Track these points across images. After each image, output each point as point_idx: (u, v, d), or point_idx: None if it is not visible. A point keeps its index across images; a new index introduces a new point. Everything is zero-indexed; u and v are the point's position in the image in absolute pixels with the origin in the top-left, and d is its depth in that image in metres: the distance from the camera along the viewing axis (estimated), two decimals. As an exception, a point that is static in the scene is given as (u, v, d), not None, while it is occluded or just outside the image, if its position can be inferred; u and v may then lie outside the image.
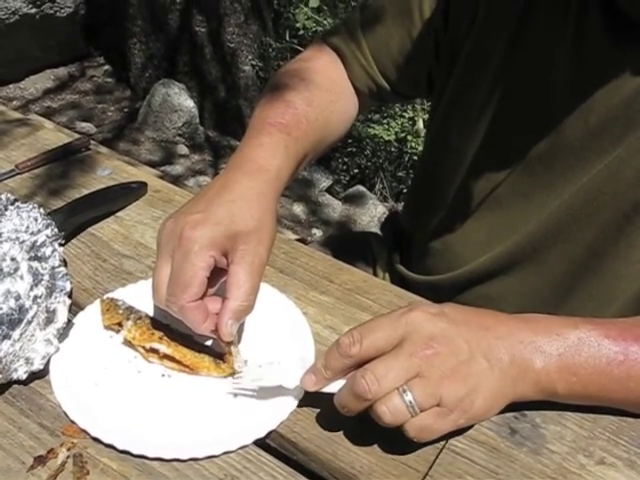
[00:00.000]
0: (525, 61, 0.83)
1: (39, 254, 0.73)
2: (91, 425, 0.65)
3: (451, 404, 0.60)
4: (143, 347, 0.72)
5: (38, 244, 0.74)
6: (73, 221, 0.88)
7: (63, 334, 0.72)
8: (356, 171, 3.40)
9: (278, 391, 0.68)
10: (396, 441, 0.64)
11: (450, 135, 0.94)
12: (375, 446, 0.64)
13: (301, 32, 3.65)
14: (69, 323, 0.74)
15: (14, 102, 3.61)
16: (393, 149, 3.33)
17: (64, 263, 0.76)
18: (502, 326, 0.65)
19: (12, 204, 0.78)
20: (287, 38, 3.74)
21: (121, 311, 0.74)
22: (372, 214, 3.01)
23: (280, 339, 0.75)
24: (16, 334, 0.67)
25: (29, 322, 0.68)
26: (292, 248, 0.89)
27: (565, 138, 0.80)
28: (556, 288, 0.86)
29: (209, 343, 0.74)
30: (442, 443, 0.64)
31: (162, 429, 0.65)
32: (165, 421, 0.66)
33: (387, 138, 3.28)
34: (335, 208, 3.08)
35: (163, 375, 0.71)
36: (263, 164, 0.76)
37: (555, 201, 0.82)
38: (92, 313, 0.77)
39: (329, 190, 3.23)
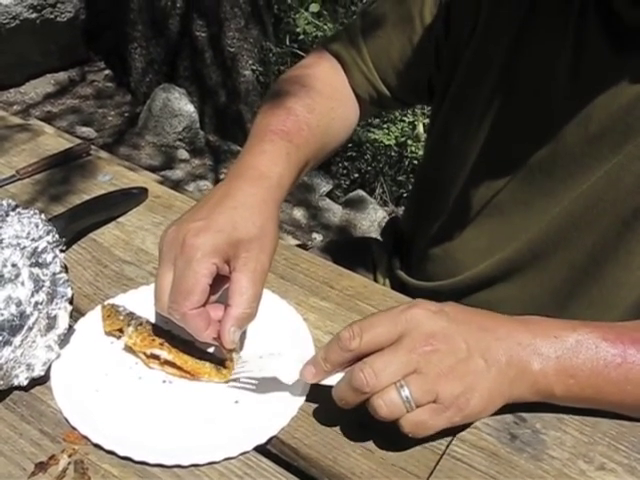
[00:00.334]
0: (525, 69, 0.84)
1: (40, 260, 0.73)
2: (92, 431, 0.65)
3: (447, 401, 0.60)
4: (144, 353, 0.72)
5: (39, 250, 0.74)
6: (74, 227, 0.88)
7: (64, 340, 0.73)
8: (356, 175, 3.40)
9: (278, 385, 0.68)
10: (396, 447, 0.64)
11: (451, 141, 0.94)
12: (376, 452, 0.64)
13: (301, 37, 3.65)
14: (70, 329, 0.74)
15: (14, 107, 3.61)
16: (393, 153, 3.33)
17: (65, 269, 0.76)
18: (501, 328, 0.65)
19: (13, 210, 0.78)
20: (287, 43, 3.74)
21: (122, 317, 0.75)
22: (372, 219, 3.00)
23: (281, 345, 0.75)
24: (17, 340, 0.67)
25: (30, 328, 0.68)
26: (293, 254, 0.89)
27: (565, 145, 0.81)
28: (556, 295, 0.86)
29: (210, 349, 0.74)
30: (442, 449, 0.65)
31: (163, 435, 0.65)
32: (166, 427, 0.66)
33: (387, 142, 3.28)
34: (335, 213, 3.08)
35: (164, 381, 0.71)
36: (265, 171, 0.76)
37: (555, 208, 0.83)
38: (93, 319, 0.77)
39: (329, 195, 3.23)
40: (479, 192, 0.90)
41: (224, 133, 3.63)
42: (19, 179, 1.01)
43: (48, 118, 3.49)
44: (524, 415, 0.68)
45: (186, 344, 0.73)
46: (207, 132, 3.63)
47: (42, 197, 0.98)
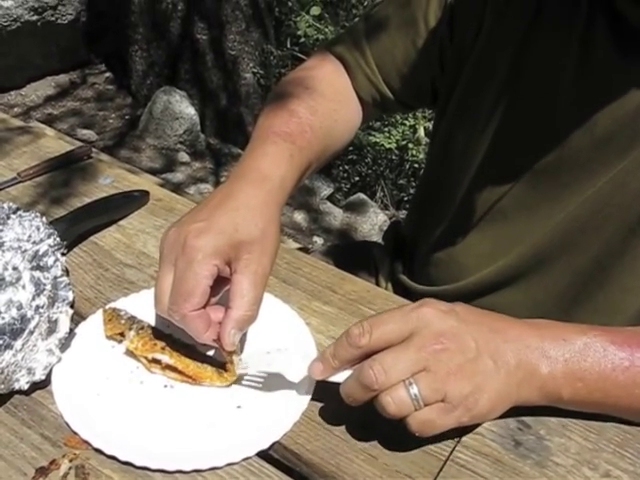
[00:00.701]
0: (531, 73, 0.83)
1: (41, 263, 0.73)
2: (93, 436, 0.64)
3: (455, 400, 0.60)
4: (145, 357, 0.71)
5: (40, 253, 0.73)
6: (75, 230, 0.88)
7: (65, 344, 0.72)
8: (357, 179, 3.40)
9: (283, 383, 0.68)
10: (400, 453, 0.64)
11: (454, 145, 0.94)
12: (379, 458, 0.64)
13: (302, 40, 3.66)
14: (71, 333, 0.74)
15: (15, 109, 3.61)
16: (394, 157, 3.33)
17: (66, 272, 0.76)
18: (511, 330, 0.65)
19: (14, 213, 0.78)
20: (288, 46, 3.74)
21: (123, 321, 0.74)
22: (373, 222, 3.00)
23: (283, 350, 0.74)
24: (18, 344, 0.67)
25: (31, 332, 0.68)
26: (295, 258, 0.89)
27: (570, 150, 0.80)
28: (560, 300, 0.86)
29: (211, 353, 0.73)
30: (446, 455, 0.64)
31: (165, 440, 0.65)
32: (168, 432, 0.66)
33: (388, 146, 3.28)
34: (336, 216, 3.08)
35: (165, 386, 0.71)
36: (267, 173, 0.76)
37: (560, 213, 0.82)
38: (94, 323, 0.76)
39: (330, 198, 3.23)
40: (483, 196, 0.90)
41: (225, 136, 3.63)
42: (20, 182, 1.01)
43: (49, 120, 3.49)
44: (528, 421, 0.67)
45: (188, 348, 0.73)
46: (208, 135, 3.63)
47: (43, 200, 0.98)
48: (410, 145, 3.29)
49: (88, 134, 3.45)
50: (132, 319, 0.74)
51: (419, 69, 0.96)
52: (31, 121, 3.32)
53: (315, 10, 3.61)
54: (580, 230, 0.82)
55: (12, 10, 3.50)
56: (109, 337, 0.75)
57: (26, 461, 0.63)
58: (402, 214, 3.16)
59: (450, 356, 0.60)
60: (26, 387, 0.68)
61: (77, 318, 0.77)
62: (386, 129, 3.37)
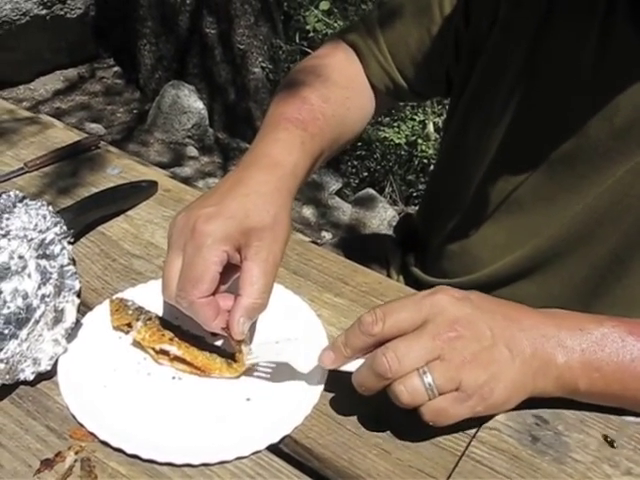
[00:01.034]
0: (548, 61, 0.81)
1: (47, 252, 0.71)
2: (99, 428, 0.63)
3: (470, 389, 0.58)
4: (153, 348, 0.70)
5: (47, 242, 0.72)
6: (82, 219, 0.86)
7: (71, 334, 0.71)
8: (366, 174, 3.39)
9: (294, 374, 0.67)
10: (414, 448, 0.62)
11: (469, 135, 0.92)
12: (392, 453, 0.62)
13: (311, 34, 3.64)
14: (77, 323, 0.72)
15: (24, 103, 3.61)
16: (403, 152, 3.32)
17: (73, 262, 0.74)
18: (527, 319, 0.63)
19: (20, 201, 0.77)
20: (297, 40, 3.73)
21: (131, 312, 0.73)
22: (382, 217, 2.99)
23: (293, 340, 0.73)
24: (23, 334, 0.65)
25: (37, 321, 0.67)
26: (306, 249, 0.87)
27: (589, 139, 0.78)
28: (577, 293, 0.84)
29: (220, 344, 0.72)
30: (461, 450, 0.63)
31: (173, 433, 0.63)
32: (176, 425, 0.64)
33: (397, 141, 3.26)
34: (345, 211, 3.07)
35: (174, 377, 0.69)
36: (279, 160, 0.74)
37: (578, 204, 0.80)
38: (101, 313, 0.75)
39: (339, 193, 3.22)
40: (498, 187, 0.88)
41: (233, 130, 3.62)
42: (27, 172, 1.00)
43: (57, 114, 3.49)
44: (545, 416, 0.66)
45: (196, 339, 0.71)
46: (216, 129, 3.62)
47: (50, 190, 0.97)
48: (419, 140, 3.27)
49: (96, 128, 3.44)
50: (140, 310, 0.73)
51: (433, 58, 0.94)
52: (40, 115, 3.31)
53: (324, 5, 3.59)
54: (598, 222, 0.80)
55: (21, 4, 3.50)
56: (116, 328, 0.73)
57: (31, 453, 0.62)
58: (411, 210, 3.14)
59: (465, 344, 0.59)
60: (31, 378, 0.67)
61: (84, 309, 0.76)
62: (395, 124, 3.35)
